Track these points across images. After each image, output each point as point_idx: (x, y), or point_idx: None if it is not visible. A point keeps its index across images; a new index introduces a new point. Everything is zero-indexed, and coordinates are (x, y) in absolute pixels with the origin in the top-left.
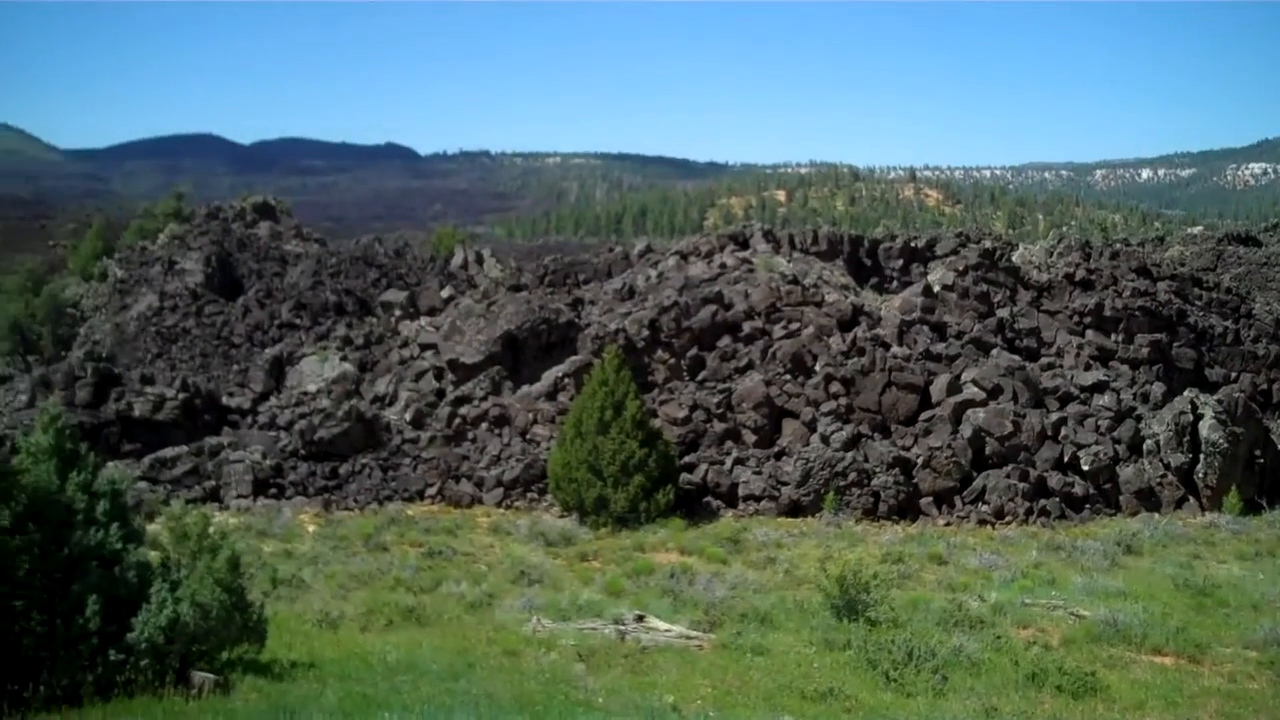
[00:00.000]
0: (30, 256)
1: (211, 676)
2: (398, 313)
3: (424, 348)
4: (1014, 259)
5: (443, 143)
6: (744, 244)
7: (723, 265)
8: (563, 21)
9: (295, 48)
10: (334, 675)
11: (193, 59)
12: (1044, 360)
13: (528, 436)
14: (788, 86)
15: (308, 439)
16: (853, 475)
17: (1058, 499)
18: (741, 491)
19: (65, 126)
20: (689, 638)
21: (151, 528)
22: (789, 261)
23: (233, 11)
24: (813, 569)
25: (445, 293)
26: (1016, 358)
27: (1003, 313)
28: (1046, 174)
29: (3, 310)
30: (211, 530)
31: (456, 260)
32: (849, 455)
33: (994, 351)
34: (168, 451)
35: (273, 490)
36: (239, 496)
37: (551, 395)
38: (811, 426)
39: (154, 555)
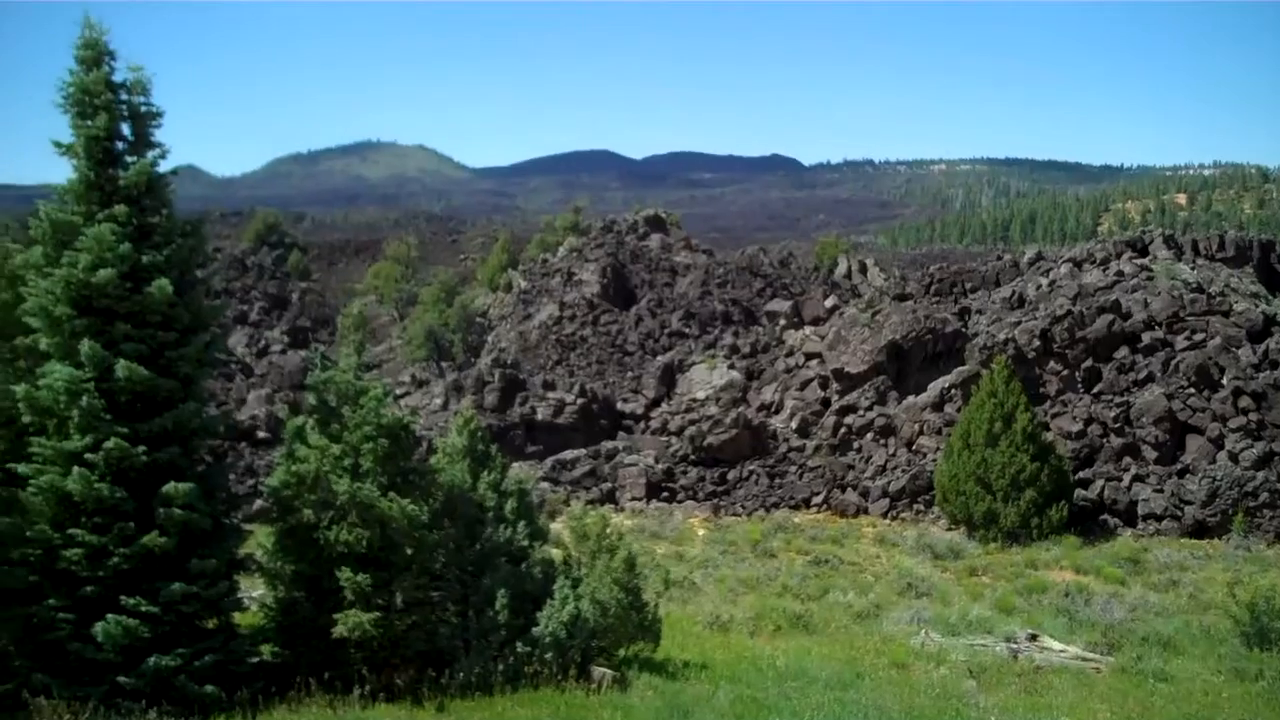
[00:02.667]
0: (444, 269)
1: (610, 672)
2: (782, 322)
3: (809, 356)
4: None
5: (826, 153)
6: (1143, 250)
7: (1119, 273)
8: (947, 26)
9: (685, 64)
10: (725, 677)
11: (591, 81)
12: None
13: (914, 447)
14: (1188, 84)
15: (697, 445)
16: (1264, 496)
17: None
18: (1141, 510)
19: (475, 147)
20: (1085, 659)
21: (553, 526)
22: (1192, 268)
23: (624, 36)
24: (1220, 594)
25: (829, 302)
26: None
27: None
28: None
29: (420, 319)
30: (609, 531)
31: (840, 269)
32: (1260, 475)
33: None
34: (567, 454)
35: (664, 493)
36: (633, 499)
37: (938, 406)
38: (1218, 443)
39: (556, 553)
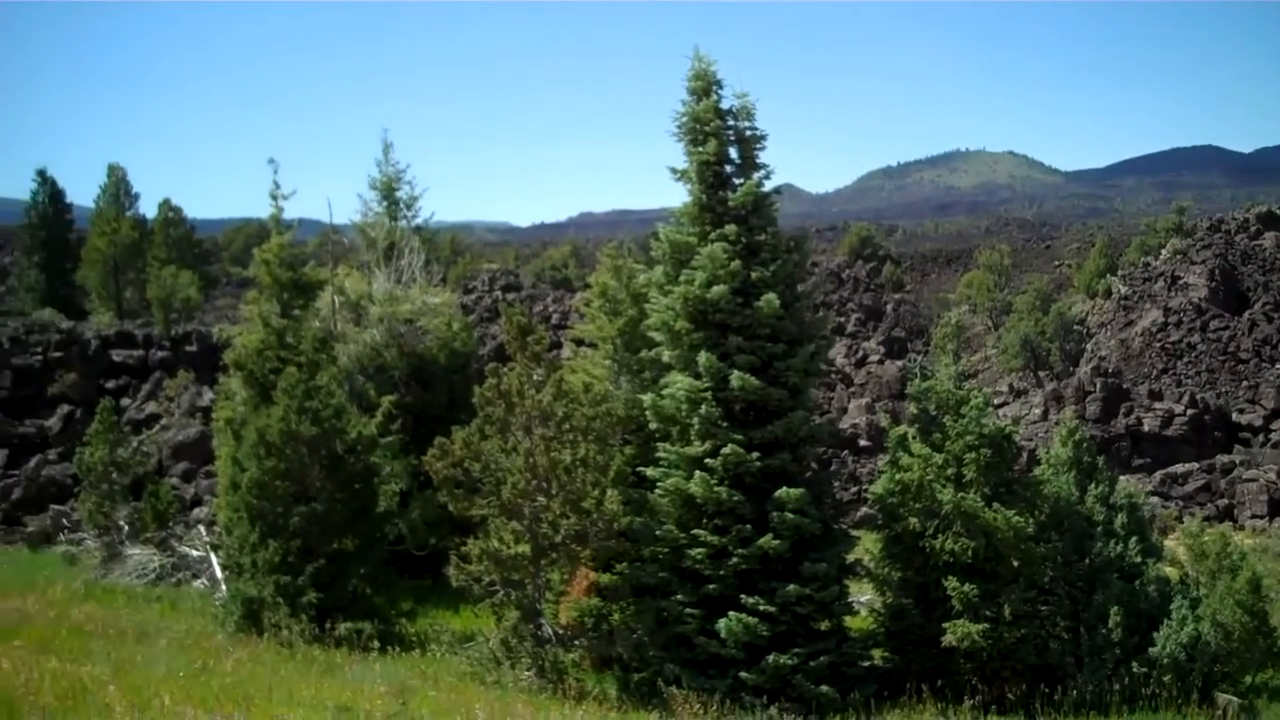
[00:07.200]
0: (1038, 276)
1: (1236, 700)
2: None
3: None
4: None
5: None
6: None
7: None
8: None
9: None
10: None
11: (1190, 71)
12: None
13: None
14: None
15: None
16: None
17: None
18: None
19: (1066, 149)
20: None
21: (1166, 544)
22: None
23: (1224, 17)
24: None
25: None
26: None
27: None
28: None
29: (1015, 328)
30: (1229, 550)
31: None
32: None
33: None
34: (1178, 467)
35: None
36: (1254, 516)
37: None
38: None
39: (1170, 571)
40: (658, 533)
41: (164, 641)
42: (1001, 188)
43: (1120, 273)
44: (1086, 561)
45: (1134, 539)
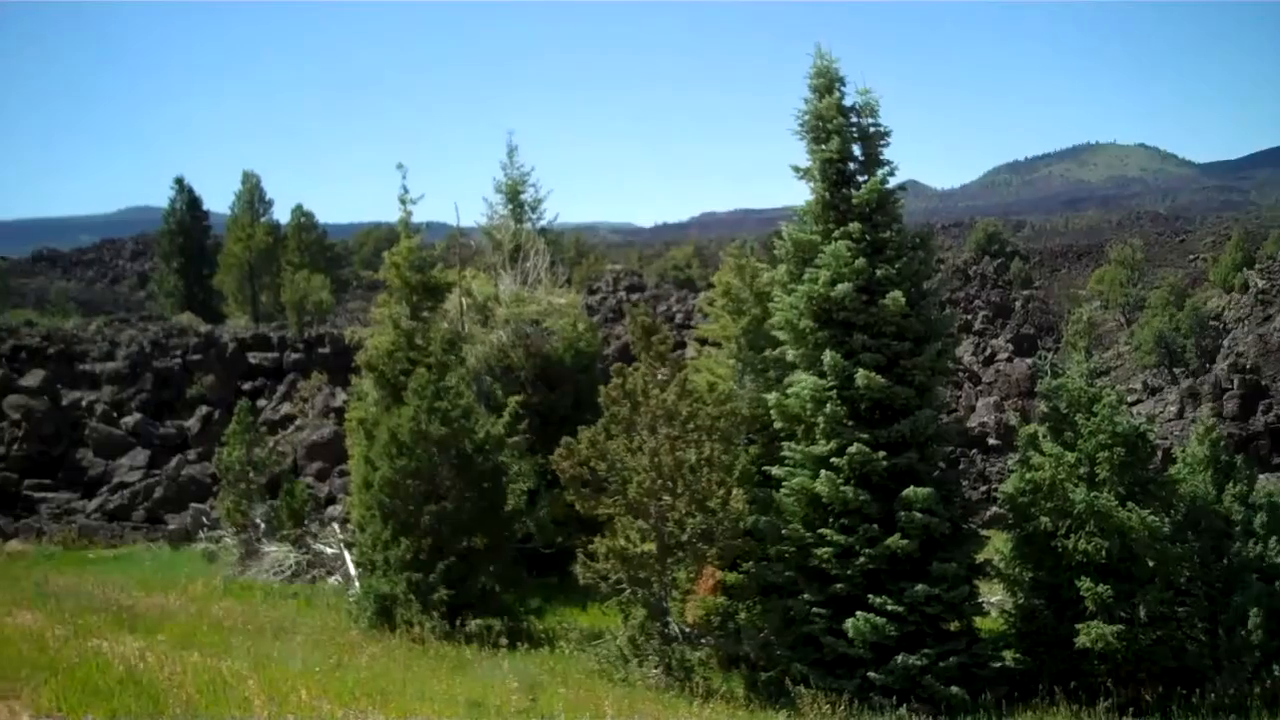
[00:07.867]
0: (1171, 271)
1: None
2: None
3: None
4: None
5: None
6: None
7: None
8: None
9: None
10: None
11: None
12: None
13: None
14: None
15: None
16: None
17: None
18: None
19: (1200, 141)
20: None
21: None
22: None
23: None
24: None
25: None
26: None
27: None
28: None
29: (1149, 324)
30: None
31: None
32: None
33: None
34: None
35: None
36: None
37: None
38: None
39: None
40: (784, 532)
41: (300, 637)
42: (1133, 181)
43: (1258, 266)
44: (1225, 562)
45: (1274, 539)
